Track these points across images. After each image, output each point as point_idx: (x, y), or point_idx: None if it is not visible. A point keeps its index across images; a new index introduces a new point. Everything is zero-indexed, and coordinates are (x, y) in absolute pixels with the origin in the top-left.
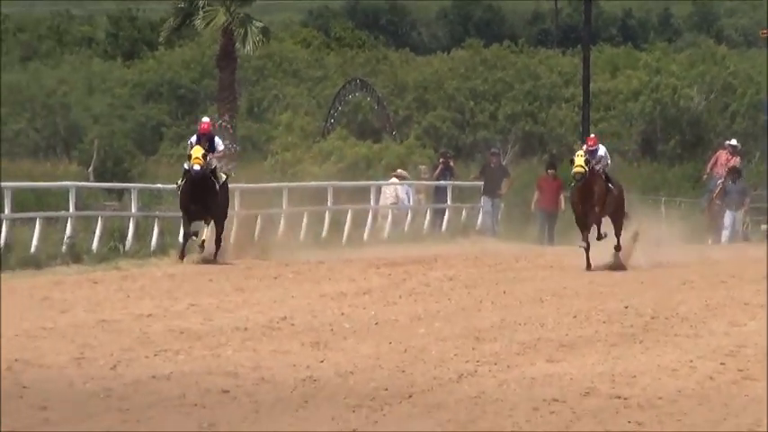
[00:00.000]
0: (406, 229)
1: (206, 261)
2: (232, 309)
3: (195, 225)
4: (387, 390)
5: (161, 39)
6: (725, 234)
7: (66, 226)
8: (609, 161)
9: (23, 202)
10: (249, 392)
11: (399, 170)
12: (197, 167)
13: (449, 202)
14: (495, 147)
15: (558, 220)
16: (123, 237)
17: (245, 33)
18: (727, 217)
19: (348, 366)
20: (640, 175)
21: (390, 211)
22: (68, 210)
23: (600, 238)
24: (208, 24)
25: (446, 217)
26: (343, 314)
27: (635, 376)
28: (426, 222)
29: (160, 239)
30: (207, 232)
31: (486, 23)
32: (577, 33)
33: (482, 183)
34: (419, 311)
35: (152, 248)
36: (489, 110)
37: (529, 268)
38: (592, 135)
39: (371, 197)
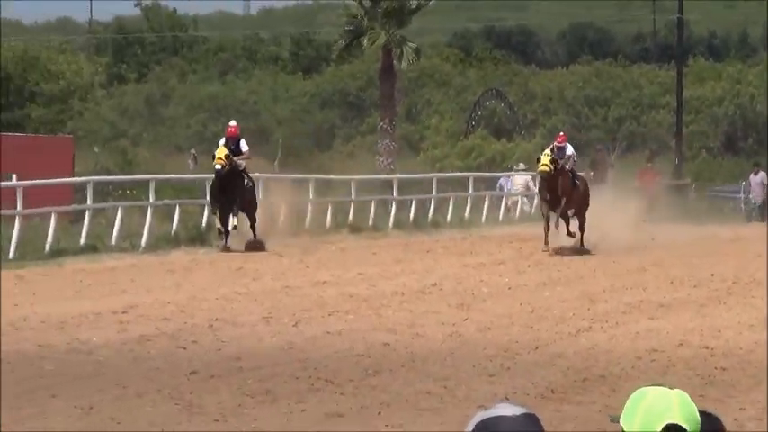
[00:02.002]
0: (532, 211)
1: (248, 248)
2: (392, 276)
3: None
4: (517, 342)
5: (333, 56)
6: None
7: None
8: (576, 158)
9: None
10: (405, 345)
11: (521, 163)
12: (218, 167)
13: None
14: (602, 144)
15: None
16: (303, 218)
17: (402, 52)
18: None
19: (486, 323)
20: (724, 167)
21: (520, 197)
22: (257, 195)
23: (570, 234)
24: (371, 44)
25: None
26: (482, 281)
27: (720, 331)
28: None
29: (333, 220)
30: (235, 222)
31: (597, 43)
32: (672, 51)
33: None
34: (544, 278)
35: (327, 227)
36: (600, 114)
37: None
38: (561, 133)
39: (504, 185)
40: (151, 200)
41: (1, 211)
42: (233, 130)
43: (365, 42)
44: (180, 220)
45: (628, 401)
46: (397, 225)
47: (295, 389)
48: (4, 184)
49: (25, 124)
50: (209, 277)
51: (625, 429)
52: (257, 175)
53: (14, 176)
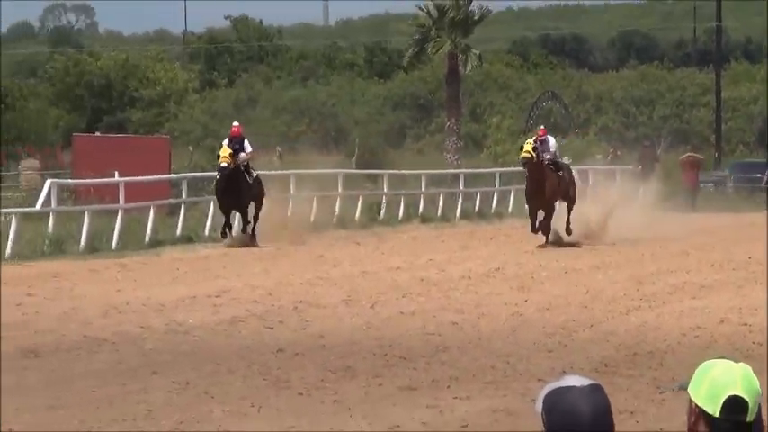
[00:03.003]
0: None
1: (243, 244)
2: (459, 262)
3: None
4: (573, 321)
5: (404, 62)
6: None
7: (335, 202)
8: (558, 151)
9: (305, 183)
10: (472, 324)
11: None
12: (224, 165)
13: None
14: (649, 140)
15: (698, 192)
16: (378, 210)
17: (466, 58)
18: None
19: (545, 304)
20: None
21: None
22: (337, 190)
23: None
24: (438, 51)
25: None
26: (540, 265)
27: (757, 309)
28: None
29: (405, 211)
30: (238, 218)
31: (643, 49)
32: (711, 55)
33: (640, 167)
34: (597, 262)
35: (399, 218)
36: (646, 113)
37: (677, 229)
38: (542, 126)
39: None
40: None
41: (104, 206)
42: (236, 129)
43: (431, 50)
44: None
45: (696, 372)
46: (464, 215)
47: (372, 365)
48: (107, 180)
49: (126, 126)
50: (294, 264)
51: (692, 398)
52: (337, 171)
53: (116, 173)
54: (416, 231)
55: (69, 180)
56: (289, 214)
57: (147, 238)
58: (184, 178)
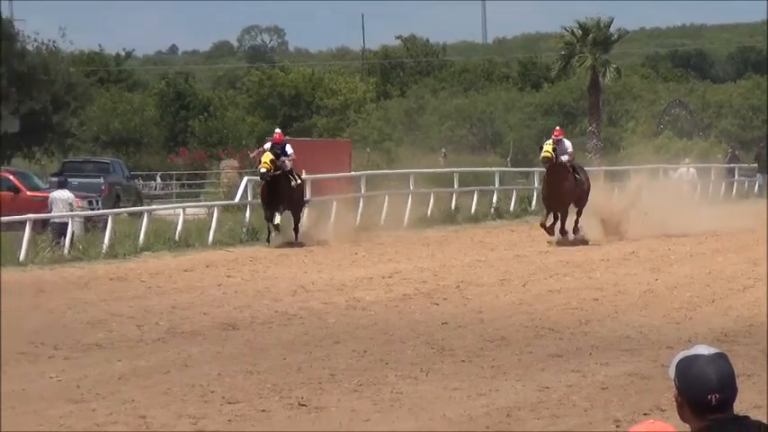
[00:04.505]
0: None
1: (288, 244)
2: (600, 246)
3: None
4: (698, 297)
5: (552, 75)
6: None
7: (493, 195)
8: (573, 153)
9: (466, 180)
10: (610, 300)
11: (686, 159)
12: (263, 170)
13: (736, 177)
14: (763, 142)
15: None
16: (529, 202)
17: (606, 72)
18: None
19: (673, 283)
20: None
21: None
22: (494, 185)
23: (560, 233)
24: (581, 65)
25: (734, 187)
26: (669, 249)
27: None
28: (722, 191)
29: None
30: (282, 220)
31: (759, 62)
32: None
33: (757, 164)
34: (718, 247)
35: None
36: (761, 117)
37: None
38: (557, 127)
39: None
40: (411, 189)
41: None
42: (278, 136)
43: (576, 64)
44: (434, 205)
45: None
46: None
47: (524, 335)
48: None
49: (312, 131)
50: (456, 249)
51: None
52: (494, 169)
53: (304, 172)
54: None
55: None
56: (452, 207)
57: (329, 227)
58: (363, 176)
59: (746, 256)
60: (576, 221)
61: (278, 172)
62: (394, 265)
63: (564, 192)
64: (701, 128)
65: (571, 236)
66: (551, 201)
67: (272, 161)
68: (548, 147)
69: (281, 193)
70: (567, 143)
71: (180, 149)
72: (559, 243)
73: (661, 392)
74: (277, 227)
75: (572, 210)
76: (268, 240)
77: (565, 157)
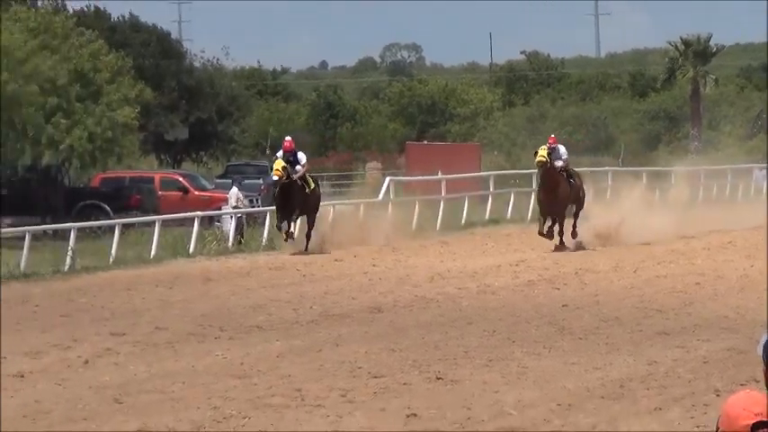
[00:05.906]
0: None
1: (299, 252)
2: (700, 237)
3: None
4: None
5: (658, 84)
6: None
7: (606, 191)
8: (568, 158)
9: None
10: (711, 284)
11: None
12: (275, 177)
13: None
14: None
15: None
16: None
17: (705, 81)
18: None
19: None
20: None
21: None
22: (608, 183)
23: (558, 236)
24: (684, 76)
25: None
26: (762, 239)
27: None
28: None
29: (660, 197)
30: (294, 226)
31: None
32: None
33: None
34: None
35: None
36: None
37: None
38: (552, 135)
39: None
40: (533, 187)
41: (430, 197)
42: (288, 144)
43: (678, 75)
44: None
45: None
46: (706, 200)
47: (634, 315)
48: (432, 177)
49: (446, 136)
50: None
51: None
52: (606, 168)
53: (439, 172)
54: (669, 216)
55: (403, 177)
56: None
57: (462, 221)
58: (491, 175)
59: None
60: (574, 225)
61: (292, 177)
62: (520, 255)
63: (558, 196)
64: None
65: (570, 242)
66: (547, 205)
67: (284, 168)
68: (542, 151)
69: (294, 201)
70: (563, 149)
71: (329, 153)
72: (557, 249)
73: (756, 365)
74: (291, 235)
75: (572, 209)
76: (287, 239)
77: (559, 163)
